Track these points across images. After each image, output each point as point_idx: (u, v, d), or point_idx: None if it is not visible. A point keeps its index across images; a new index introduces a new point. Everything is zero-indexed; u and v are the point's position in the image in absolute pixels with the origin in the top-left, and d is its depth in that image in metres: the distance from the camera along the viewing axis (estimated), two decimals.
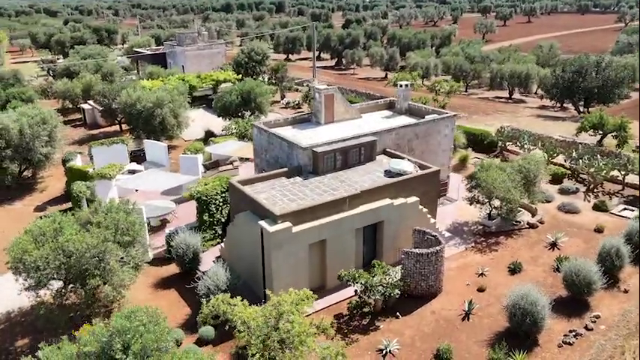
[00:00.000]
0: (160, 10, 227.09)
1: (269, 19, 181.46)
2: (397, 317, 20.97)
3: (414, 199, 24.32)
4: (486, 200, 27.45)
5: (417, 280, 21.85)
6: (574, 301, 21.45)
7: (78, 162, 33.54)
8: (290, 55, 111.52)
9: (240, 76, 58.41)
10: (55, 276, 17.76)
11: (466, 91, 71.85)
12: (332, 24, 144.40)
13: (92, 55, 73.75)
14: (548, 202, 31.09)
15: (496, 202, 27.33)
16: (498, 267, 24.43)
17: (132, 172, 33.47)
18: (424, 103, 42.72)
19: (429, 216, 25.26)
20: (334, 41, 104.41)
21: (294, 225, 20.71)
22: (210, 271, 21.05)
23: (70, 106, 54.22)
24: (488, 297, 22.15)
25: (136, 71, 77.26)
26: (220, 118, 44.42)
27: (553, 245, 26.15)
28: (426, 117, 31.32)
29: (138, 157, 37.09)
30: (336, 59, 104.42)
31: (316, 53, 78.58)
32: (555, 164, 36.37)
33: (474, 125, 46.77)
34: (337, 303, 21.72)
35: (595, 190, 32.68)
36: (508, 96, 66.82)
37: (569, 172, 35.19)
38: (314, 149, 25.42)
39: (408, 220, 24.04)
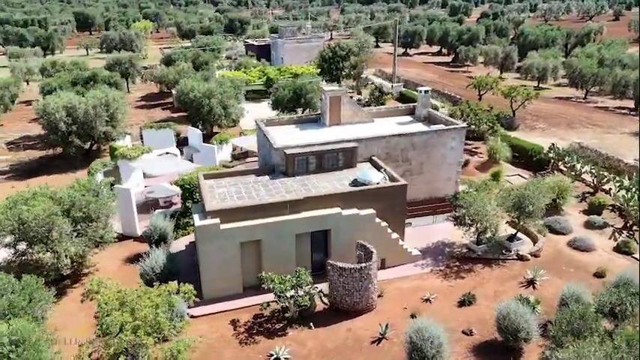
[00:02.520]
0: (305, 1, 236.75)
1: (405, 11, 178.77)
2: (310, 327, 20.93)
3: (369, 211, 23.63)
4: (469, 223, 25.32)
5: (342, 294, 21.44)
6: (503, 347, 19.22)
7: (127, 142, 38.17)
8: (408, 50, 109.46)
9: (319, 70, 59.69)
10: (12, 238, 21.18)
11: (584, 99, 64.12)
12: (462, 18, 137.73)
13: (208, 44, 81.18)
14: (563, 234, 27.44)
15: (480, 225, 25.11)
16: (451, 296, 22.65)
17: (167, 154, 37.14)
18: (482, 111, 39.81)
19: (389, 231, 24.32)
20: (452, 36, 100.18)
21: (224, 222, 21.73)
22: (152, 255, 23.10)
23: (166, 90, 60.69)
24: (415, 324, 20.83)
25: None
26: (274, 111, 46.37)
27: (530, 283, 23.31)
28: (436, 126, 29.61)
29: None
30: (454, 56, 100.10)
31: (398, 49, 76.25)
32: (606, 192, 31.66)
33: (545, 139, 42.31)
34: (260, 303, 22.18)
35: (632, 230, 27.86)
36: (634, 107, 57.74)
37: (613, 203, 30.37)
38: (285, 150, 25.92)
39: (362, 232, 23.44)
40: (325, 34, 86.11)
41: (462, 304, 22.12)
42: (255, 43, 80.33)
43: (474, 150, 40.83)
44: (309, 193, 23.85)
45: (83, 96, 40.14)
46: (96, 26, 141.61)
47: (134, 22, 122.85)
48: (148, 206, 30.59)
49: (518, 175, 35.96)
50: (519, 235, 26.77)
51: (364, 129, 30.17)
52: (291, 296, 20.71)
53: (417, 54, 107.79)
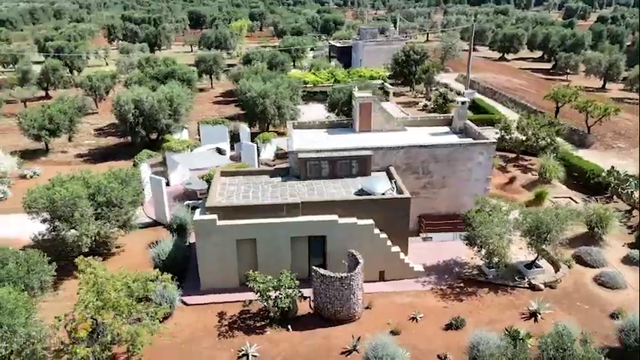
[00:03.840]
0: (410, 2, 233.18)
1: (513, 12, 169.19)
2: (287, 329, 21.38)
3: (367, 221, 23.46)
4: (480, 244, 24.01)
5: (324, 301, 21.59)
6: None
7: (184, 135, 41.08)
8: (506, 55, 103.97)
9: (388, 74, 59.07)
10: (43, 214, 24.12)
11: None
12: (573, 22, 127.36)
13: (293, 44, 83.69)
14: (592, 266, 24.96)
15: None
16: (441, 318, 21.76)
17: (218, 149, 39.45)
18: (542, 125, 37.08)
19: (389, 243, 23.92)
20: (554, 42, 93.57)
21: (221, 219, 22.88)
22: (160, 243, 24.96)
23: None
24: (394, 341, 20.35)
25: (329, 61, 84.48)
26: (330, 113, 46.92)
27: (533, 315, 21.63)
28: (462, 140, 28.39)
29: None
30: (554, 62, 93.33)
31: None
32: None
33: (619, 160, 38.43)
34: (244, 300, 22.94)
35: None
36: None
37: None
38: (298, 154, 26.47)
39: (359, 241, 23.33)
40: (407, 37, 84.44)
41: (448, 327, 21.20)
42: (337, 45, 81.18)
43: (528, 166, 38.21)
44: (311, 197, 24.21)
45: (154, 91, 43.83)
46: (206, 24, 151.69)
47: (234, 20, 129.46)
48: (186, 197, 32.85)
49: (570, 198, 33.11)
50: (540, 262, 24.85)
51: (392, 137, 29.70)
52: (273, 297, 21.29)
53: (515, 59, 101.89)
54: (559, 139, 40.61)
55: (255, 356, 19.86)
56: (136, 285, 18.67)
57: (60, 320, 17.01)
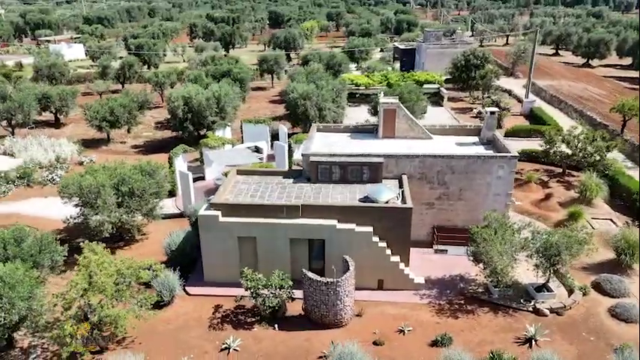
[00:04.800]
0: (496, 2, 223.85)
1: (608, 15, 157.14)
2: (274, 328, 21.88)
3: (366, 229, 23.38)
4: (485, 261, 23.04)
5: (312, 304, 21.84)
6: None
7: (227, 133, 42.86)
8: (590, 61, 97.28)
9: (445, 78, 57.49)
10: (74, 199, 26.40)
11: None
12: None
13: (357, 45, 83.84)
14: (611, 295, 23.09)
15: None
16: (430, 333, 21.20)
17: (256, 148, 40.74)
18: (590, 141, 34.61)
19: (388, 252, 23.67)
20: None
21: (224, 216, 23.82)
22: (174, 234, 26.41)
23: None
24: (375, 351, 20.23)
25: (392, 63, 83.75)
26: (373, 117, 46.62)
27: (528, 341, 20.47)
28: (482, 152, 27.31)
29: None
30: None
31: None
32: None
33: None
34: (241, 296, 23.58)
35: None
36: None
37: None
38: (310, 157, 26.82)
39: (357, 248, 23.37)
40: (483, 40, 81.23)
41: (434, 343, 20.64)
42: (401, 47, 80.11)
43: (573, 183, 35.73)
44: (312, 201, 24.51)
45: (206, 89, 46.06)
46: (284, 24, 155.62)
47: (308, 20, 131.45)
48: (215, 192, 34.34)
49: (610, 220, 30.64)
50: (553, 286, 23.37)
51: (415, 145, 29.19)
52: (263, 295, 21.88)
53: (601, 66, 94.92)
54: (615, 156, 37.68)
55: (236, 350, 20.58)
56: (129, 272, 20.06)
57: (56, 297, 18.71)
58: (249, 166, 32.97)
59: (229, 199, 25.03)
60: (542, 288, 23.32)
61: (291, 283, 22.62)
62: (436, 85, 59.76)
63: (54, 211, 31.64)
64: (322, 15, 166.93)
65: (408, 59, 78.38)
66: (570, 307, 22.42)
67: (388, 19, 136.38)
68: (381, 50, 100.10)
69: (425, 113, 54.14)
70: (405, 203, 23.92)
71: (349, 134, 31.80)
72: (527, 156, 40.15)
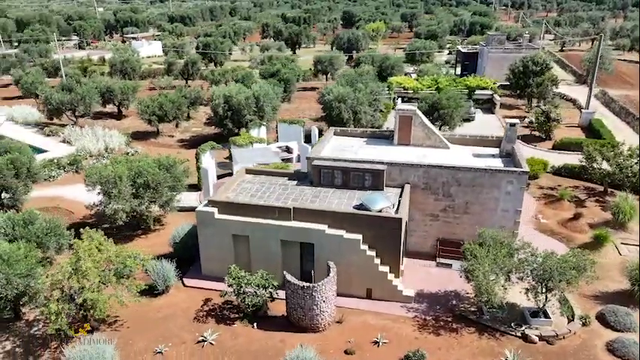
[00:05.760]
0: (587, 4, 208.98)
1: None
2: (253, 326, 22.37)
3: (355, 236, 23.22)
4: (472, 278, 22.06)
5: (291, 307, 22.08)
6: None
7: (262, 132, 44.00)
8: None
9: (499, 84, 54.94)
10: (97, 188, 28.44)
11: None
12: None
13: (418, 47, 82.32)
14: (615, 329, 21.23)
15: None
16: (405, 348, 20.65)
17: (287, 148, 41.54)
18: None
19: (377, 261, 23.35)
20: None
21: (221, 213, 24.64)
22: (180, 227, 27.69)
23: None
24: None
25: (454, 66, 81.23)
26: None
27: None
28: (490, 165, 26.07)
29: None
30: None
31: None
32: None
33: None
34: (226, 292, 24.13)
35: None
36: None
37: None
38: (314, 161, 26.98)
39: (346, 254, 23.34)
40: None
41: (406, 359, 20.11)
42: (463, 50, 77.35)
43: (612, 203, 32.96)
44: (305, 204, 24.66)
45: (249, 88, 47.48)
46: (356, 24, 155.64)
47: (377, 21, 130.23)
48: None
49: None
50: (551, 312, 21.89)
51: (429, 154, 28.46)
52: (245, 293, 22.44)
53: None
54: None
55: (212, 344, 21.30)
56: (118, 260, 21.41)
57: (47, 278, 20.42)
58: (269, 165, 33.71)
59: (230, 197, 25.83)
60: (540, 313, 21.93)
61: (276, 283, 23.01)
62: (489, 92, 57.27)
63: (93, 197, 34.24)
64: (397, 16, 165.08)
65: (470, 63, 75.71)
66: (564, 337, 20.90)
67: (462, 20, 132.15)
68: (449, 53, 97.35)
69: (472, 120, 52.40)
70: (397, 213, 23.44)
71: (365, 139, 31.54)
72: (568, 171, 37.65)
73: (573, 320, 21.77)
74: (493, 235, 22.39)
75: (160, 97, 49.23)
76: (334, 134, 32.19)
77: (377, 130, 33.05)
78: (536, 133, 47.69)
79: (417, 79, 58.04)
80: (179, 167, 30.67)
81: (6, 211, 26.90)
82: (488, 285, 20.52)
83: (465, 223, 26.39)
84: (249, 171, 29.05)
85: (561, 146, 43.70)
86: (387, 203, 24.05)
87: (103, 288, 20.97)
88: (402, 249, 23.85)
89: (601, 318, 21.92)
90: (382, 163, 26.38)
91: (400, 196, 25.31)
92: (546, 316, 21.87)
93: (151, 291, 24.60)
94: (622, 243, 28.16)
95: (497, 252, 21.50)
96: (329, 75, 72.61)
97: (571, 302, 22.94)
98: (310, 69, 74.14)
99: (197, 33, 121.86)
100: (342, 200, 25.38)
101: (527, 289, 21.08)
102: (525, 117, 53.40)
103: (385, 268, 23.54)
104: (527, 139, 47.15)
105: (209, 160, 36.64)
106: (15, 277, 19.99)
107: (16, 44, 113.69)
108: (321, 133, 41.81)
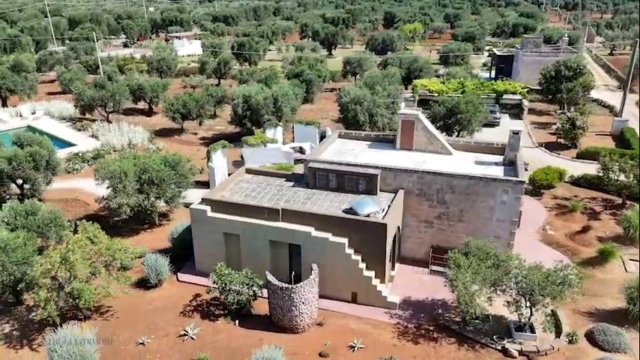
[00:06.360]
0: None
1: None
2: (235, 324, 22.81)
3: (340, 239, 23.27)
4: (452, 289, 21.63)
5: (271, 307, 22.38)
6: None
7: (278, 132, 44.55)
8: None
9: (526, 89, 53.25)
10: (104, 180, 29.67)
11: None
12: None
13: (452, 50, 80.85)
14: (603, 348, 20.32)
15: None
16: (381, 354, 20.55)
17: (300, 148, 41.90)
18: None
19: (361, 266, 23.32)
20: None
21: (213, 211, 25.22)
22: (179, 223, 28.50)
23: None
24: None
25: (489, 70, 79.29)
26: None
27: None
28: (485, 174, 25.43)
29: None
30: None
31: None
32: None
33: None
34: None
35: None
36: None
37: None
38: (309, 163, 27.14)
39: (331, 257, 23.45)
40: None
41: None
42: (498, 53, 75.22)
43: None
44: (301, 207, 24.87)
45: (270, 89, 48.17)
46: (394, 25, 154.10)
47: (413, 22, 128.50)
48: None
49: None
50: (537, 327, 21.18)
51: (430, 159, 28.10)
52: (228, 290, 22.92)
53: None
54: None
55: (192, 338, 21.89)
56: (108, 253, 22.34)
57: (40, 266, 21.55)
58: (274, 166, 34.14)
59: (225, 196, 26.40)
60: (525, 327, 21.27)
61: (261, 282, 23.36)
62: (518, 97, 55.58)
63: (105, 191, 35.80)
64: (440, 17, 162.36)
65: (505, 67, 73.61)
66: (546, 353, 20.21)
67: (505, 21, 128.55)
68: (489, 55, 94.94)
69: (497, 126, 51.03)
70: (384, 218, 23.29)
71: (369, 143, 31.41)
72: (587, 182, 36.13)
73: (559, 337, 20.99)
74: (479, 245, 21.87)
75: (184, 96, 50.63)
76: (339, 137, 32.25)
77: (381, 133, 32.77)
78: (563, 141, 45.97)
79: (442, 82, 57.05)
80: (185, 165, 31.55)
81: (23, 201, 28.68)
82: (468, 296, 20.10)
83: (459, 231, 25.86)
84: (248, 171, 29.55)
85: (586, 155, 41.92)
86: (375, 208, 23.93)
87: (93, 279, 21.95)
88: (388, 255, 23.67)
89: (590, 336, 21.03)
90: (376, 167, 26.24)
91: (392, 202, 25.11)
92: (533, 330, 21.20)
93: (145, 284, 25.53)
94: (631, 259, 26.83)
95: (480, 262, 21.00)
96: (358, 76, 72.46)
97: (562, 318, 22.13)
98: (341, 70, 74.22)
99: (237, 33, 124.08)
100: (334, 203, 25.44)
101: (509, 302, 20.48)
102: (554, 124, 51.52)
103: (370, 273, 23.45)
104: (552, 147, 45.54)
105: (220, 159, 37.40)
106: (11, 265, 21.23)
107: (67, 42, 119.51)
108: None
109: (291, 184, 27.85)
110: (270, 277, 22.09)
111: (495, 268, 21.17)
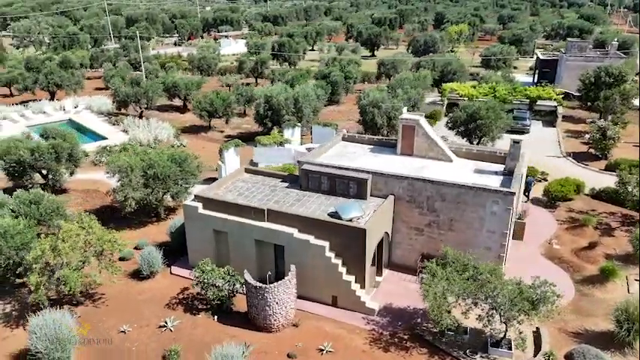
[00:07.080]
0: None
1: None
2: (214, 319, 23.39)
3: (321, 242, 23.36)
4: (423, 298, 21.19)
5: (248, 305, 22.78)
6: None
7: (296, 133, 44.99)
8: None
9: (561, 96, 50.93)
10: (114, 174, 31.10)
11: None
12: None
13: (495, 53, 78.42)
14: None
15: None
16: (350, 358, 20.50)
17: (309, 148, 42.13)
18: None
19: (341, 270, 23.31)
20: None
21: (205, 208, 25.92)
22: (177, 218, 29.47)
23: None
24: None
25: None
26: (450, 131, 44.00)
27: None
28: (476, 183, 24.68)
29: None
30: None
31: None
32: None
33: None
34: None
35: None
36: None
37: None
38: (303, 165, 27.32)
39: (312, 259, 23.60)
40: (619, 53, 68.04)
41: None
42: (542, 57, 72.13)
43: None
44: (287, 209, 25.12)
45: (293, 89, 48.75)
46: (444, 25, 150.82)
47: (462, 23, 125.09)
48: None
49: None
50: (516, 342, 20.40)
51: (429, 166, 27.63)
52: (208, 286, 23.53)
53: None
54: None
55: (171, 330, 22.65)
56: (98, 243, 23.48)
57: (32, 252, 22.96)
58: (280, 166, 34.55)
59: (218, 194, 27.06)
60: (501, 343, 20.56)
61: (242, 280, 23.79)
62: (552, 103, 53.26)
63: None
64: (494, 18, 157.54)
65: (549, 71, 70.60)
66: None
67: (560, 23, 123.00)
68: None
69: (527, 133, 49.11)
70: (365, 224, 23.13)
71: (371, 147, 31.19)
72: (608, 196, 34.22)
73: (535, 356, 20.14)
74: (456, 256, 21.32)
75: (212, 95, 52.03)
76: (342, 139, 32.24)
77: (384, 138, 32.45)
78: (593, 151, 43.71)
79: (474, 87, 55.52)
80: (192, 162, 32.54)
81: (47, 190, 30.75)
82: (437, 307, 19.68)
83: (449, 240, 25.22)
84: (247, 170, 30.11)
85: (614, 167, 39.58)
86: (359, 213, 23.83)
87: (82, 267, 23.15)
88: (368, 260, 23.50)
89: (569, 358, 20.03)
90: (367, 172, 26.07)
91: (378, 207, 24.88)
92: (510, 347, 20.45)
93: (139, 274, 26.60)
94: (636, 280, 25.26)
95: (455, 274, 20.48)
96: (391, 78, 71.70)
97: (544, 336, 21.20)
98: (376, 71, 73.74)
99: (281, 33, 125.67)
100: (322, 206, 25.52)
101: (480, 316, 19.86)
102: (588, 133, 49.01)
103: (350, 278, 23.37)
104: (582, 157, 43.40)
105: (232, 157, 38.27)
106: (9, 249, 22.76)
107: (123, 39, 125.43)
108: None
109: (286, 185, 28.14)
110: (247, 276, 22.49)
111: (473, 281, 20.58)
